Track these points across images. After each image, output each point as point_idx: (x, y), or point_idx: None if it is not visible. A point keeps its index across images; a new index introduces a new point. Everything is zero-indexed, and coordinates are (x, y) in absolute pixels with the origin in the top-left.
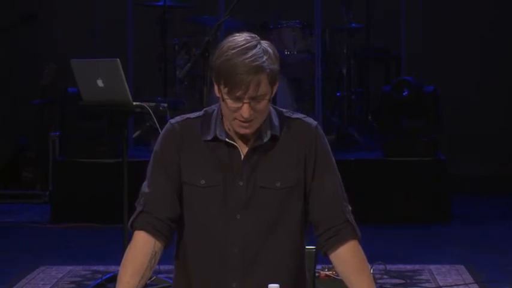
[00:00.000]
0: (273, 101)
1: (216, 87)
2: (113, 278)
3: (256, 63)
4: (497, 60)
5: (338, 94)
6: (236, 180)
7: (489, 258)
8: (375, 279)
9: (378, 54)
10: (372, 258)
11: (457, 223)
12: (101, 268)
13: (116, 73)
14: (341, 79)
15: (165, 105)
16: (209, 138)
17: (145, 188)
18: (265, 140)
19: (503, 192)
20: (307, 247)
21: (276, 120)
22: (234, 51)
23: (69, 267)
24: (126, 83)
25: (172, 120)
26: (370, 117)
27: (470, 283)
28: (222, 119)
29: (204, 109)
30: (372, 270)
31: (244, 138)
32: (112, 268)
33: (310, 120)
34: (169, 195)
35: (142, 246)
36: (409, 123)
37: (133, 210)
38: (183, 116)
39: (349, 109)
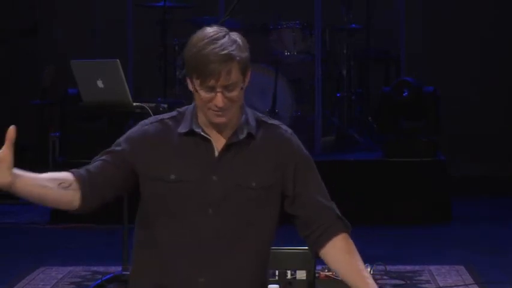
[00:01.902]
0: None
1: (188, 81)
2: (113, 279)
3: (226, 51)
4: (497, 60)
5: (338, 94)
6: (210, 175)
7: (489, 259)
8: (375, 279)
9: (378, 54)
10: (372, 259)
11: (457, 224)
12: (101, 269)
13: (116, 74)
14: (341, 79)
15: (165, 105)
16: (184, 130)
17: (94, 162)
18: (241, 137)
19: (503, 193)
20: (306, 248)
21: (252, 121)
22: (204, 42)
23: (69, 268)
24: (126, 84)
25: (145, 122)
26: (370, 117)
27: (470, 284)
28: (197, 115)
29: (177, 109)
30: (372, 271)
31: (219, 134)
32: (112, 269)
33: (286, 127)
34: (105, 180)
35: (62, 173)
36: (409, 124)
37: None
38: (157, 116)
39: (349, 109)
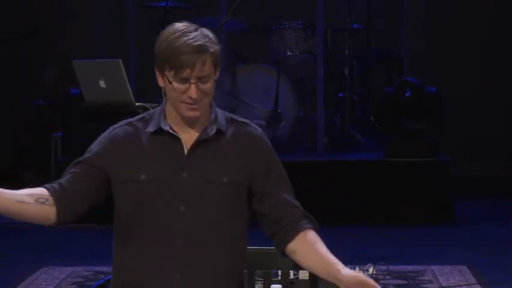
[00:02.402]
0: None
1: (159, 76)
2: None
3: (199, 42)
4: (497, 60)
5: (340, 95)
6: (180, 172)
7: (491, 259)
8: (378, 279)
9: (380, 54)
10: (374, 259)
11: (459, 224)
12: (104, 269)
13: (119, 74)
14: (343, 80)
15: None
16: (152, 130)
17: (66, 174)
18: (211, 134)
19: (503, 193)
20: None
21: (222, 119)
22: (175, 35)
23: (71, 268)
24: (128, 84)
25: (114, 126)
26: (372, 117)
27: (472, 284)
28: (166, 114)
29: (146, 112)
30: (374, 270)
31: (188, 131)
32: None
33: (255, 125)
34: (77, 194)
35: (38, 189)
36: (411, 124)
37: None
38: (125, 120)
39: (351, 110)
